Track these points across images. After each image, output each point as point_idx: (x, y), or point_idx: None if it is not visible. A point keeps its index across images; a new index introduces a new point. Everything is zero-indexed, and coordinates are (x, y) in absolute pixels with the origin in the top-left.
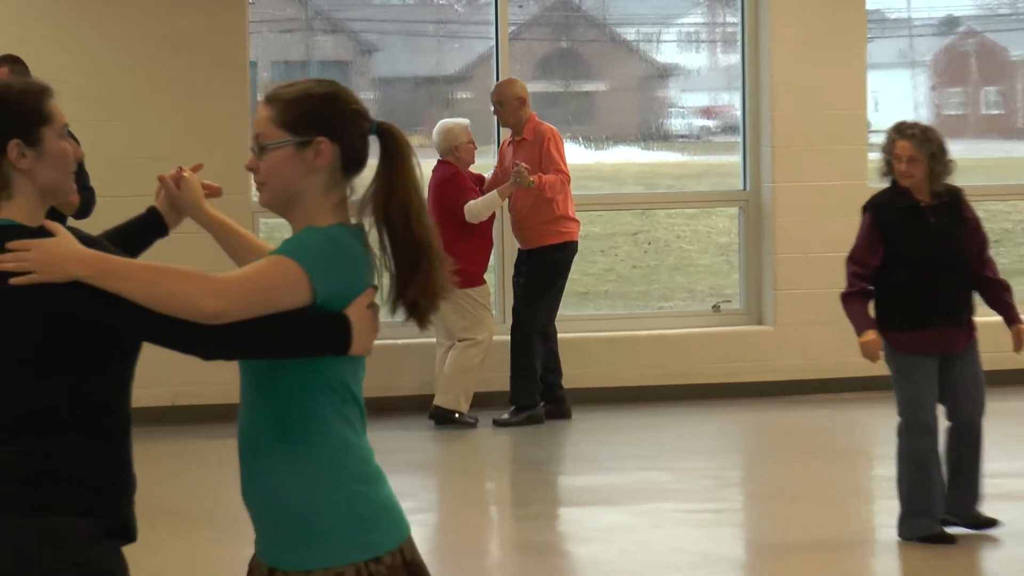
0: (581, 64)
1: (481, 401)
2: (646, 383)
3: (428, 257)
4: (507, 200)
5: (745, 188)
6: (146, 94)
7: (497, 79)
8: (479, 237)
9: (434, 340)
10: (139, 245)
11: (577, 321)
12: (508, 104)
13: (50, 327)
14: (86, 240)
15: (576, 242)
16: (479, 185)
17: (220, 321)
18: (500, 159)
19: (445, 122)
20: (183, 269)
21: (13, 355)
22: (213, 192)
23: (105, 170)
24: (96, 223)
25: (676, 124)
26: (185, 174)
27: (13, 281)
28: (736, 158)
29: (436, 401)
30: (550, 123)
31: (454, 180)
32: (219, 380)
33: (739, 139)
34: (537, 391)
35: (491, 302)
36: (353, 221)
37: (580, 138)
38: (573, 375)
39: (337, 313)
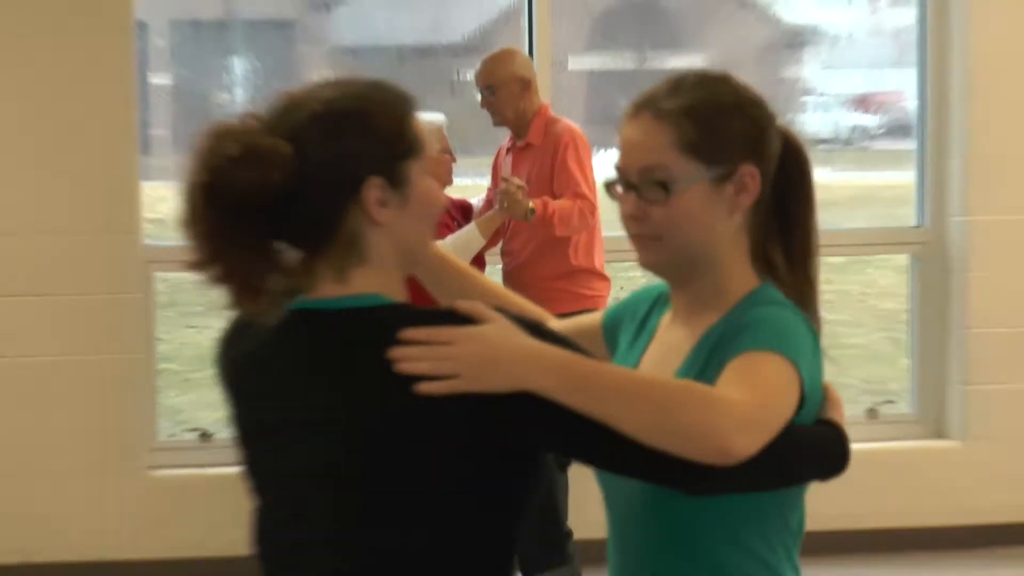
0: (665, 26)
1: None
2: None
3: (818, 315)
4: (500, 241)
5: (922, 224)
6: None
7: (530, 50)
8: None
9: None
10: None
11: None
12: (503, 89)
13: (458, 454)
14: (531, 328)
15: None
16: (463, 217)
17: (740, 460)
18: (494, 175)
19: None
20: (689, 385)
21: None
22: None
23: None
24: None
25: (813, 121)
26: None
27: (424, 388)
28: (909, 176)
29: None
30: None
31: None
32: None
33: (914, 146)
34: (567, 541)
35: None
36: None
37: None
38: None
39: (828, 421)
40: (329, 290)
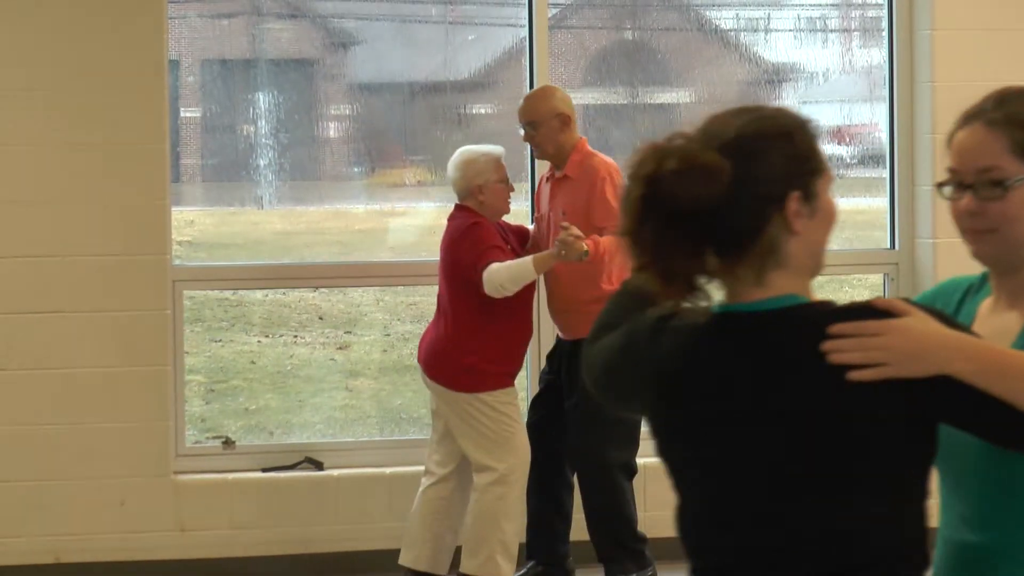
0: (655, 64)
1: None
2: None
3: None
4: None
5: (894, 247)
6: (32, 105)
7: (531, 86)
8: (512, 318)
9: (420, 468)
10: None
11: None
12: (544, 125)
13: (893, 433)
14: (943, 319)
15: None
16: (518, 242)
17: None
18: (536, 204)
19: (466, 151)
20: None
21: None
22: None
23: None
24: None
25: None
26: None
27: (858, 376)
28: (881, 201)
29: (463, 568)
30: (609, 153)
31: (473, 234)
32: (105, 529)
33: (885, 173)
34: (645, 546)
35: (522, 414)
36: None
37: None
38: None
39: None
40: (751, 293)
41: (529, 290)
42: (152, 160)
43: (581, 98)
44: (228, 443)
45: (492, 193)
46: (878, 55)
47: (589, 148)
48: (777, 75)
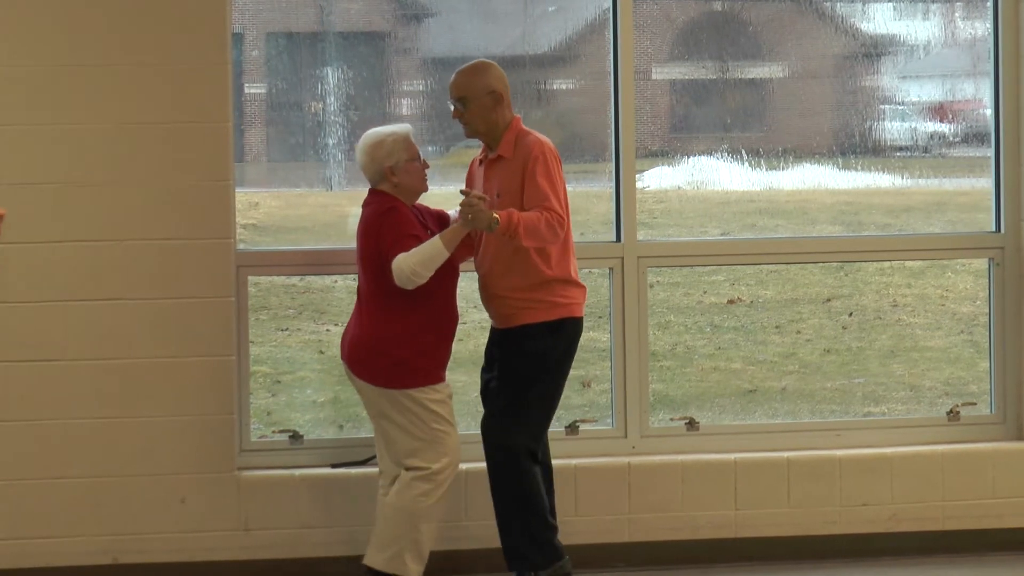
0: (746, 37)
1: (455, 566)
2: (843, 530)
3: None
4: (472, 254)
5: (999, 229)
6: (90, 82)
7: (615, 60)
8: (435, 307)
9: (376, 471)
10: None
11: (737, 435)
12: (475, 101)
13: None
14: None
15: (579, 319)
16: (438, 227)
17: None
18: (468, 186)
19: (372, 133)
20: None
21: None
22: None
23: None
24: None
25: (892, 130)
26: None
27: None
28: (986, 182)
29: (367, 560)
30: (697, 132)
31: (390, 219)
32: (165, 528)
33: (990, 152)
34: (552, 537)
35: (453, 411)
36: None
37: (743, 151)
38: (709, 519)
39: None
40: None
41: (452, 275)
42: (215, 139)
43: (668, 73)
44: (295, 437)
45: (405, 173)
46: (982, 27)
47: (524, 127)
48: (875, 48)
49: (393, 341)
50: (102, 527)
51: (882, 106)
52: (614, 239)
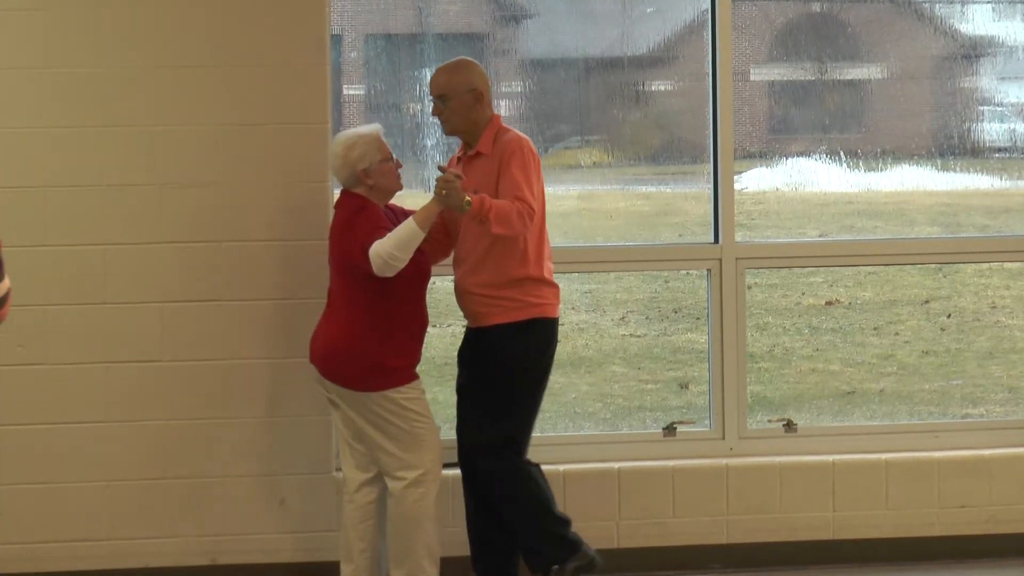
0: (844, 38)
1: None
2: (941, 532)
3: None
4: (449, 253)
5: None
6: (189, 84)
7: (713, 61)
8: (406, 308)
9: (334, 474)
10: None
11: (835, 437)
12: (455, 99)
13: None
14: None
15: (554, 320)
16: None
17: None
18: None
19: (343, 136)
20: None
21: None
22: None
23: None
24: None
25: (991, 131)
26: None
27: None
28: None
29: None
30: (795, 133)
31: (360, 218)
32: (264, 529)
33: None
34: (565, 530)
35: (430, 408)
36: None
37: (841, 152)
38: (807, 521)
39: None
40: None
41: (422, 278)
42: (313, 140)
43: (766, 74)
44: None
45: (380, 174)
46: None
47: (503, 124)
48: (974, 50)
49: (367, 344)
50: (201, 528)
51: (981, 107)
52: (712, 240)
